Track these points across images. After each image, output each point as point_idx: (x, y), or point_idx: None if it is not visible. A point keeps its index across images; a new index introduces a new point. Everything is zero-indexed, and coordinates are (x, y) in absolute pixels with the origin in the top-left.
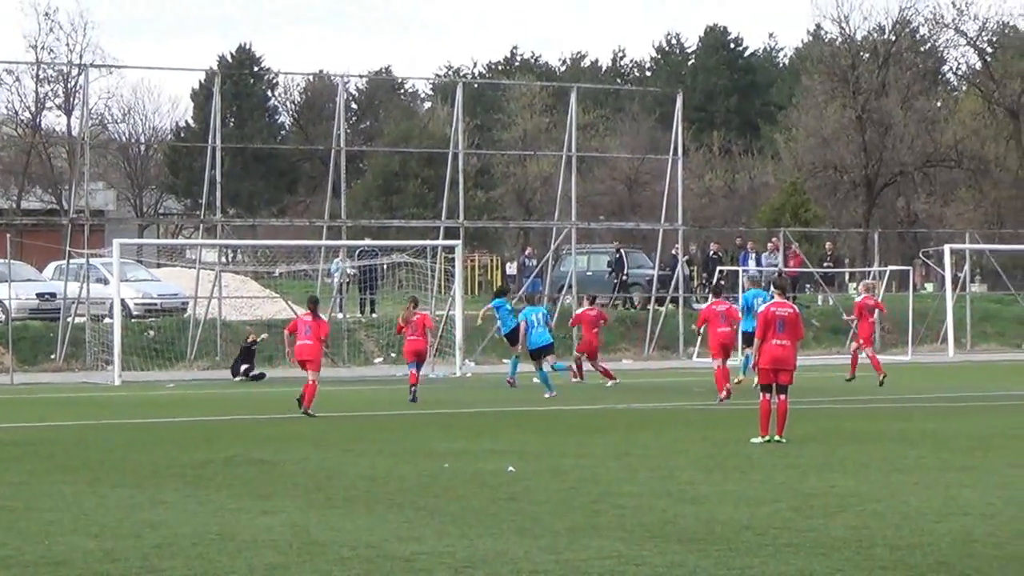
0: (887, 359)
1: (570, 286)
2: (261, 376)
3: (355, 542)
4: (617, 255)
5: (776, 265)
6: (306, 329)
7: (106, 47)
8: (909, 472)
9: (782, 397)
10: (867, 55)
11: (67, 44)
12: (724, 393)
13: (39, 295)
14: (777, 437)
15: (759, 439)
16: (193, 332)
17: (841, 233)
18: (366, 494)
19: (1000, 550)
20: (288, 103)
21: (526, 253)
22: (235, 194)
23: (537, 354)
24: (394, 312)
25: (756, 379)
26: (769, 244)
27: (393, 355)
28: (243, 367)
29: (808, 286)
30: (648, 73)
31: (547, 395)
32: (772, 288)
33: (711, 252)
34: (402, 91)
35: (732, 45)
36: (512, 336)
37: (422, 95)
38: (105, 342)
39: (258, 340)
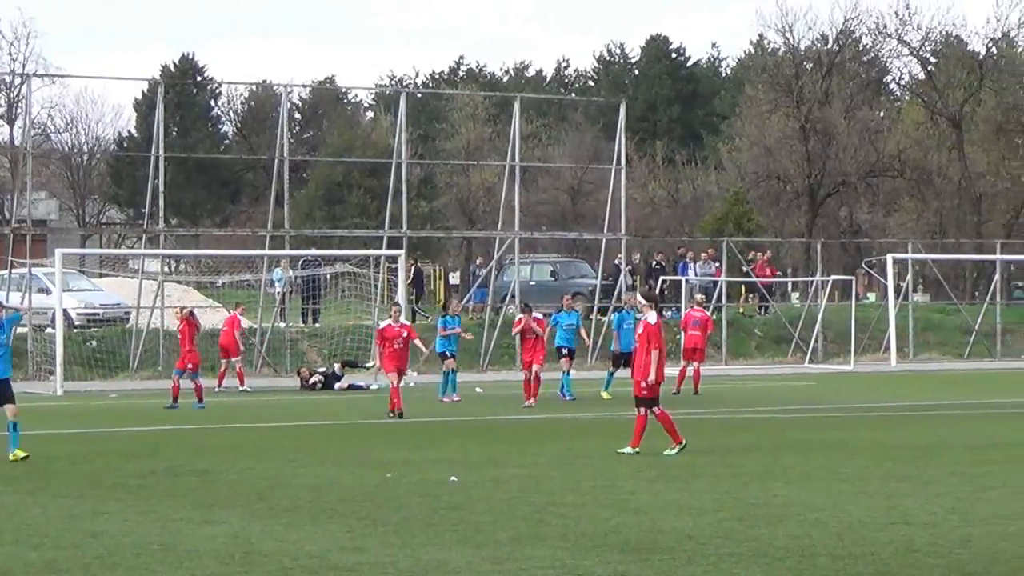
0: (831, 368)
1: (513, 296)
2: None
3: (297, 552)
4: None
5: (711, 274)
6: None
7: (49, 56)
8: (851, 481)
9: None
10: (811, 65)
11: (10, 53)
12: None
13: None
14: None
15: (630, 450)
16: (135, 342)
17: (784, 243)
18: (309, 504)
19: (941, 559)
20: (231, 113)
21: (477, 263)
22: (178, 204)
23: None
24: (337, 321)
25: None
26: (704, 254)
27: (336, 365)
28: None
29: (750, 296)
30: (591, 83)
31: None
32: (642, 300)
33: (654, 262)
34: (346, 101)
35: (674, 55)
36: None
37: (365, 105)
38: (47, 352)
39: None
